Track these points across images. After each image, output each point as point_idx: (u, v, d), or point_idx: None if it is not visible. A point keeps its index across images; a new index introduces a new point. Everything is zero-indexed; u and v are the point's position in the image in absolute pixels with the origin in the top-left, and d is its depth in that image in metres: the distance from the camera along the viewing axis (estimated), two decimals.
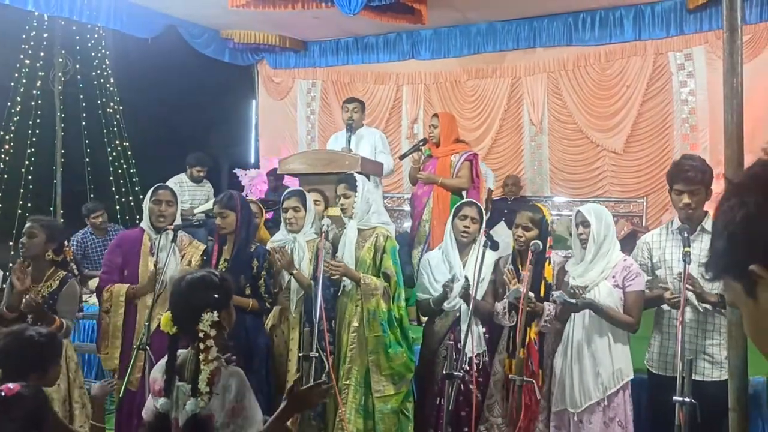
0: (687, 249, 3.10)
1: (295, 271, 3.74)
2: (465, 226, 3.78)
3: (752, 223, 0.79)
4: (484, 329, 3.73)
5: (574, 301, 3.25)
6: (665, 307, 3.37)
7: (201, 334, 2.18)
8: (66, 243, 3.70)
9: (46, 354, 2.62)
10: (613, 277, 3.38)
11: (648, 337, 3.54)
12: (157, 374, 2.32)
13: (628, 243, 7.19)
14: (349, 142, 5.46)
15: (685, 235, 3.17)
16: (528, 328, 3.51)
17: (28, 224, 3.65)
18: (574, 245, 3.53)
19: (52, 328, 3.46)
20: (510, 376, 3.11)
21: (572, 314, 3.44)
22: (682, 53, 7.25)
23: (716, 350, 3.22)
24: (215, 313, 2.20)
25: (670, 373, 3.31)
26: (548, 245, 3.59)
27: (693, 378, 3.04)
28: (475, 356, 3.63)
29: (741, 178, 0.83)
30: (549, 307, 3.42)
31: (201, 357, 2.17)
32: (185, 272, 2.52)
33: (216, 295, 2.24)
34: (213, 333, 2.18)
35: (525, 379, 3.06)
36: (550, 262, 3.61)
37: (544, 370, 3.52)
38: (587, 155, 7.89)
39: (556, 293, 3.30)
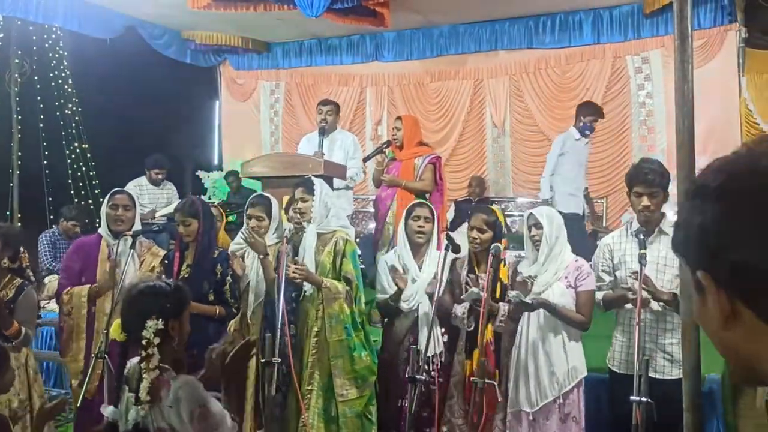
0: (643, 251, 3.16)
1: (262, 257, 3.71)
2: (419, 227, 3.81)
3: (705, 234, 0.80)
4: (442, 330, 3.75)
5: (529, 301, 3.30)
6: (627, 306, 3.43)
7: (144, 342, 2.15)
8: (21, 249, 3.59)
9: None
10: (566, 277, 3.45)
11: (610, 336, 3.60)
12: (111, 384, 2.29)
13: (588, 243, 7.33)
14: (321, 145, 5.42)
15: (641, 237, 3.23)
16: (484, 329, 3.55)
17: None
18: (526, 247, 3.59)
19: (11, 332, 3.38)
20: (472, 378, 3.13)
21: (526, 315, 3.49)
22: (639, 57, 7.39)
23: (675, 348, 3.28)
24: (160, 321, 2.16)
25: (632, 371, 3.37)
26: (503, 247, 3.64)
27: (653, 376, 3.10)
28: (433, 357, 3.65)
29: (707, 181, 0.82)
30: (504, 308, 3.47)
31: (143, 365, 2.14)
32: (141, 280, 2.48)
33: (165, 304, 2.21)
34: (156, 341, 2.15)
35: (487, 381, 3.07)
36: (505, 264, 3.66)
37: (500, 370, 3.56)
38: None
39: (512, 293, 3.35)
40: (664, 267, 3.34)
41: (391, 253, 3.99)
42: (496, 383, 3.22)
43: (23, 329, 3.45)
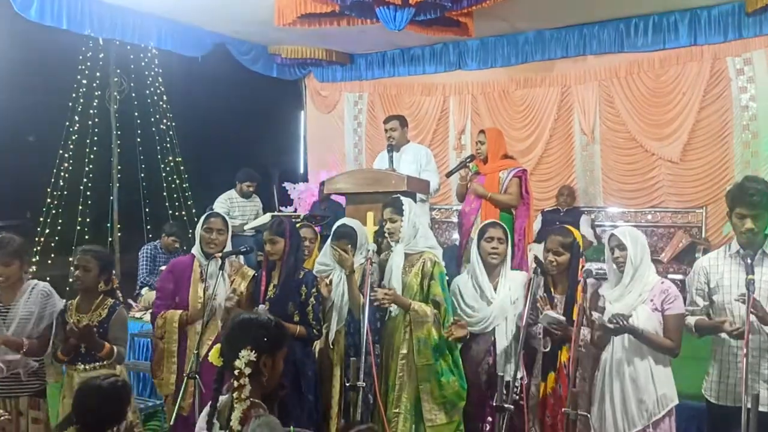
0: (751, 276, 2.97)
1: (348, 273, 3.73)
2: (493, 248, 3.74)
3: None
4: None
5: (611, 325, 3.17)
6: (723, 334, 3.23)
7: (236, 371, 2.17)
8: (113, 272, 3.76)
9: (123, 404, 2.66)
10: (651, 300, 3.31)
11: (705, 359, 3.41)
12: (204, 414, 2.33)
13: (686, 255, 6.96)
14: (392, 162, 5.41)
15: (749, 261, 3.03)
16: (559, 352, 3.47)
17: (80, 256, 3.66)
18: (609, 269, 3.44)
19: (103, 354, 3.54)
20: (564, 410, 3.01)
21: (611, 339, 3.35)
22: (741, 58, 6.94)
23: None
24: (253, 353, 2.18)
25: (730, 402, 3.19)
26: (580, 268, 3.50)
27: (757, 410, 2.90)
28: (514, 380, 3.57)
29: None
30: (584, 332, 3.35)
31: (234, 395, 2.17)
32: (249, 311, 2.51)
33: (261, 337, 2.22)
34: (247, 371, 2.16)
35: (580, 413, 2.95)
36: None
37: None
38: (642, 164, 7.63)
39: (595, 314, 3.22)
40: None
41: (464, 275, 3.91)
42: (590, 416, 3.08)
43: (115, 349, 3.60)
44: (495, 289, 3.74)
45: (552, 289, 3.61)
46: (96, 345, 3.53)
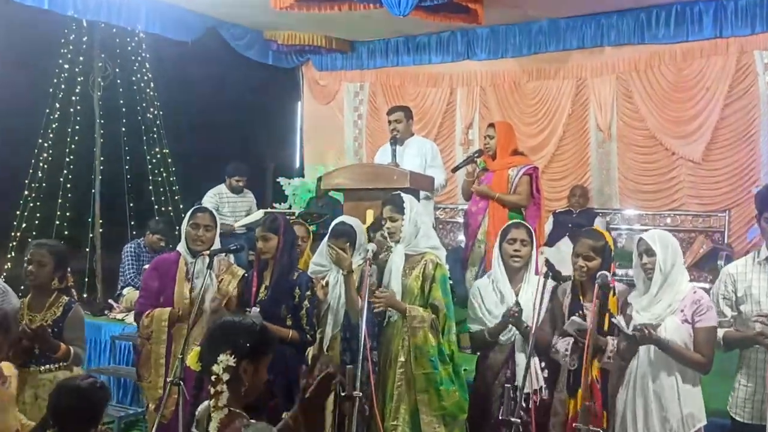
0: None
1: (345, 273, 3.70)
2: (515, 250, 3.68)
3: None
4: (542, 363, 3.62)
5: (631, 332, 3.14)
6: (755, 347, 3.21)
7: (213, 377, 2.16)
8: (69, 269, 3.72)
9: (101, 406, 2.64)
10: (682, 311, 3.24)
11: (731, 374, 3.38)
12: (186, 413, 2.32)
13: (707, 262, 6.94)
14: (395, 156, 5.38)
15: None
16: (589, 367, 3.40)
17: (33, 250, 3.61)
18: (636, 276, 3.41)
19: (59, 355, 3.50)
20: (575, 425, 2.99)
21: (637, 351, 3.31)
22: None
23: None
24: (233, 358, 2.16)
25: (757, 421, 3.17)
26: (612, 274, 3.45)
27: None
28: (533, 393, 3.53)
29: None
30: (612, 342, 3.31)
31: (211, 402, 2.15)
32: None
33: (243, 342, 2.20)
34: (225, 377, 2.15)
35: (591, 429, 2.93)
36: (614, 293, 3.46)
37: (608, 412, 3.40)
38: (661, 164, 7.63)
39: (616, 318, 3.19)
40: None
41: (485, 278, 3.88)
42: (601, 430, 3.06)
43: (72, 350, 3.55)
44: (517, 295, 3.67)
45: (581, 297, 3.53)
46: (51, 346, 3.47)
